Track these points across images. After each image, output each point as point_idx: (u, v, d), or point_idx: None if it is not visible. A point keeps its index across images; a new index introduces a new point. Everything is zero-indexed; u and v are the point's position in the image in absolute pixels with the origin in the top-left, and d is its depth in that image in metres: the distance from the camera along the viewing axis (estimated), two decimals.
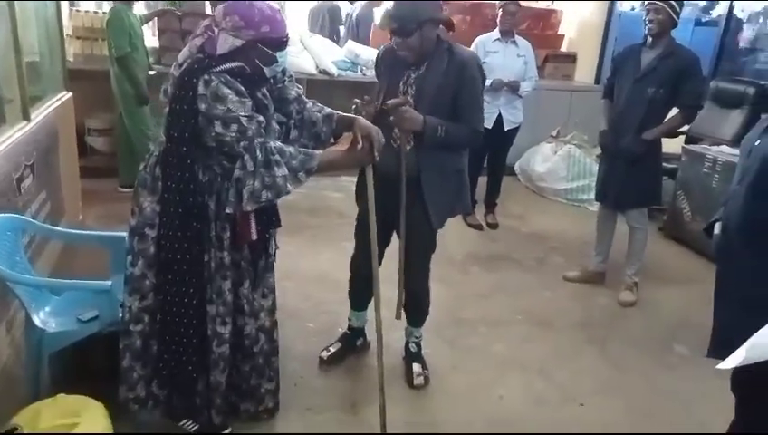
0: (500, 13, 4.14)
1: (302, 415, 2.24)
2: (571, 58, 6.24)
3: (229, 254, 1.85)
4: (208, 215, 1.80)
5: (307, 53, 5.34)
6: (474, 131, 2.21)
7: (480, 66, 2.26)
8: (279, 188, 1.71)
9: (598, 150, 4.42)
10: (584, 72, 6.21)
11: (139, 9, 4.60)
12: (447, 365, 2.65)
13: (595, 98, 4.25)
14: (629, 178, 3.21)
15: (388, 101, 2.11)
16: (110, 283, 2.03)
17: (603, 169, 3.46)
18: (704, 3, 5.72)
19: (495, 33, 4.18)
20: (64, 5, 4.23)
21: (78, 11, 4.84)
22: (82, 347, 2.05)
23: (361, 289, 2.51)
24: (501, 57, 4.14)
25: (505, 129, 4.22)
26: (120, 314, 1.94)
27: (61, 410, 1.66)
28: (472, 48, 4.24)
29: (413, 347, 2.56)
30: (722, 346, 1.60)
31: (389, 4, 2.17)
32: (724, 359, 1.43)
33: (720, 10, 5.34)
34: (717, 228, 1.88)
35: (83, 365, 2.16)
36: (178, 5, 5.03)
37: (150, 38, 5.04)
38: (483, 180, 4.48)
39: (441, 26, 2.19)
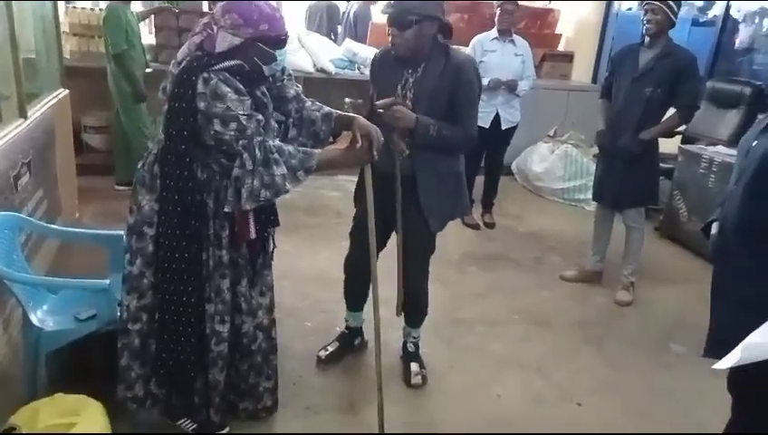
0: (498, 12, 4.14)
1: (301, 414, 2.24)
2: (568, 57, 6.25)
3: (228, 252, 1.85)
4: (207, 213, 1.80)
5: (304, 51, 5.33)
6: (467, 135, 2.19)
7: (476, 70, 2.25)
8: (278, 186, 1.71)
9: (595, 150, 4.44)
10: (581, 72, 6.22)
11: (136, 6, 4.57)
12: (445, 364, 2.65)
13: (592, 97, 4.26)
14: (627, 178, 3.22)
15: (378, 102, 2.10)
16: (107, 281, 2.02)
17: (600, 169, 3.47)
18: (701, 3, 5.74)
19: (493, 33, 4.19)
20: (61, 2, 4.21)
21: (74, 8, 4.81)
22: (80, 346, 2.04)
23: (357, 290, 2.52)
24: (499, 56, 4.15)
25: (503, 128, 4.22)
26: (119, 313, 1.94)
27: (59, 409, 1.66)
28: (470, 47, 4.25)
29: (411, 347, 2.57)
30: (718, 346, 1.61)
31: None
32: (720, 358, 1.44)
33: (717, 10, 5.35)
34: (714, 228, 1.89)
35: (81, 364, 2.15)
36: (175, 3, 5.01)
37: (147, 36, 5.03)
38: (480, 180, 4.48)
39: (439, 32, 2.17)
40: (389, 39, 2.14)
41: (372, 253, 2.07)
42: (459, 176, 2.35)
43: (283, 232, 2.16)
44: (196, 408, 1.96)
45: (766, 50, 5.25)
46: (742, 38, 5.35)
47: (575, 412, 2.43)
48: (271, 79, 1.89)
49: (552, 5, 6.59)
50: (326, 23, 6.65)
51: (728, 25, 5.13)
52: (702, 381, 2.46)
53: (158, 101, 1.83)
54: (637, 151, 3.16)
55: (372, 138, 1.86)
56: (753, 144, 1.75)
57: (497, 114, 4.16)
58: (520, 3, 4.30)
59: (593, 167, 4.35)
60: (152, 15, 4.94)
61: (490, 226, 4.45)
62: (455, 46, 2.28)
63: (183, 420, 1.99)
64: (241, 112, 1.66)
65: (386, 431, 2.10)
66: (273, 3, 1.78)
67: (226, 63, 1.69)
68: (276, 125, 1.91)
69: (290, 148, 1.76)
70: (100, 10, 4.61)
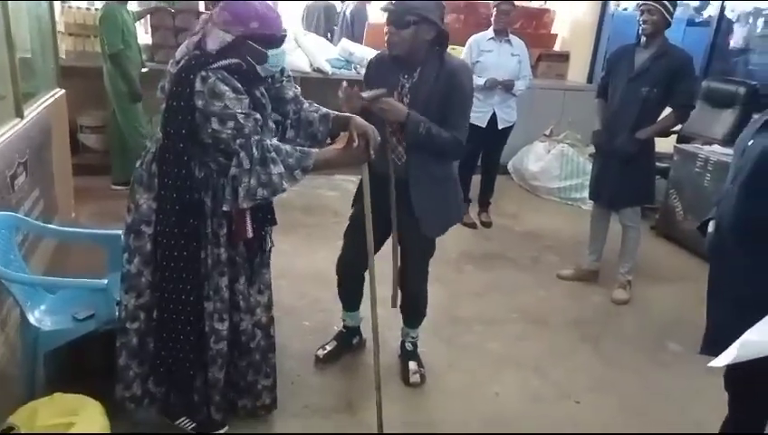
0: (494, 12, 4.15)
1: (299, 413, 2.24)
2: (563, 57, 6.27)
3: (226, 250, 1.85)
4: (205, 211, 1.80)
5: (301, 51, 5.33)
6: (456, 139, 2.16)
7: (470, 75, 2.25)
8: (275, 185, 1.71)
9: (591, 149, 4.46)
10: (577, 72, 6.24)
11: (132, 6, 4.56)
12: (443, 363, 2.66)
13: (588, 97, 4.27)
14: (623, 178, 3.24)
15: (364, 93, 2.08)
16: (105, 281, 2.01)
17: (597, 169, 3.49)
18: (696, 3, 5.77)
19: (490, 33, 4.19)
20: (56, 2, 4.19)
21: (70, 7, 4.79)
22: (77, 346, 2.04)
23: (352, 289, 2.52)
24: (495, 56, 4.15)
25: (499, 127, 4.23)
26: (117, 313, 1.94)
27: (58, 408, 1.65)
28: (466, 47, 4.26)
29: (409, 346, 2.57)
30: (715, 344, 1.62)
31: None
32: (716, 356, 1.45)
33: (711, 10, 5.38)
34: (711, 227, 1.90)
35: (78, 364, 2.15)
36: (171, 3, 5.00)
37: (143, 35, 5.01)
38: (476, 179, 4.50)
39: (436, 39, 2.15)
40: (386, 37, 2.14)
41: (370, 251, 2.07)
42: (453, 181, 2.34)
43: (280, 231, 2.16)
44: (196, 406, 1.96)
45: (761, 50, 5.29)
46: (736, 38, 5.38)
47: (573, 411, 2.44)
48: (270, 80, 1.89)
49: (548, 6, 6.61)
50: (323, 23, 6.65)
51: (723, 26, 5.16)
52: (698, 379, 2.48)
53: (154, 100, 1.83)
54: (633, 151, 3.17)
55: (369, 137, 1.86)
56: (750, 143, 1.76)
57: (494, 114, 4.17)
58: (516, 3, 4.31)
59: (589, 166, 4.36)
60: (148, 15, 4.92)
61: (487, 225, 4.46)
62: (452, 46, 2.28)
63: (182, 420, 1.99)
64: (239, 111, 1.67)
65: (384, 431, 2.10)
66: (270, 2, 1.79)
67: (224, 62, 1.69)
68: (274, 126, 1.92)
69: (287, 147, 1.76)
70: (96, 10, 4.60)
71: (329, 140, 2.02)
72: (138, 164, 1.86)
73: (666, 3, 3.06)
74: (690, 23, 5.67)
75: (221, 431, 2.02)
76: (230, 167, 1.71)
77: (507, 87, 4.13)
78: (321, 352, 2.57)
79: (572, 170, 5.13)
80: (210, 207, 1.80)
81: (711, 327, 1.88)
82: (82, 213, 3.94)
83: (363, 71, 2.44)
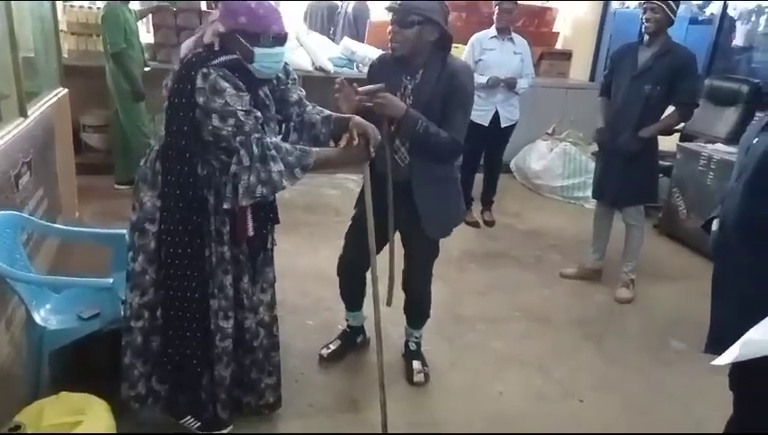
0: (496, 10, 4.14)
1: (304, 412, 2.25)
2: (566, 56, 6.26)
3: (229, 248, 1.85)
4: (208, 209, 1.80)
5: (303, 49, 5.33)
6: (454, 140, 2.13)
7: (472, 77, 2.24)
8: (274, 183, 1.71)
9: (593, 148, 4.46)
10: (579, 70, 6.24)
11: (134, 5, 4.56)
12: (447, 362, 2.66)
13: (590, 95, 4.28)
14: (626, 176, 3.23)
15: (362, 88, 2.07)
16: (111, 280, 2.02)
17: (600, 167, 3.49)
18: (698, 1, 5.76)
19: (492, 31, 4.19)
20: (59, 1, 4.20)
21: (72, 6, 4.80)
22: (82, 345, 2.04)
23: (353, 290, 2.53)
24: (497, 54, 4.15)
25: (502, 126, 4.23)
26: (122, 312, 1.94)
27: (64, 407, 1.66)
28: (468, 45, 4.26)
29: (413, 345, 2.57)
30: (719, 342, 1.62)
31: None
32: (720, 355, 1.45)
33: (714, 8, 5.37)
34: (715, 225, 1.90)
35: (83, 363, 2.15)
36: (173, 2, 5.00)
37: (145, 34, 5.02)
38: (479, 178, 4.49)
39: (439, 41, 2.15)
40: (390, 37, 2.14)
41: (372, 251, 2.07)
42: (455, 182, 2.34)
43: (282, 230, 2.16)
44: (201, 405, 1.97)
45: (764, 48, 5.28)
46: (739, 36, 5.38)
47: (576, 409, 2.45)
48: (275, 82, 1.90)
49: (550, 4, 6.59)
50: (326, 22, 6.64)
51: (725, 24, 5.15)
52: (702, 378, 2.48)
53: (156, 99, 1.84)
54: (636, 149, 3.17)
55: (369, 135, 1.86)
56: (754, 141, 1.75)
57: (496, 112, 4.17)
58: (518, 1, 4.30)
59: (592, 164, 4.37)
60: (150, 14, 4.93)
61: (490, 223, 4.47)
62: (453, 45, 2.27)
63: (187, 419, 1.99)
64: (239, 108, 1.67)
65: (389, 430, 2.10)
66: (270, 1, 1.76)
67: (223, 58, 1.70)
68: (277, 127, 1.92)
69: (287, 145, 1.77)
70: (98, 9, 4.60)
71: (332, 143, 2.02)
72: (142, 162, 1.86)
73: (669, 1, 3.06)
74: (693, 21, 5.66)
75: (226, 430, 2.02)
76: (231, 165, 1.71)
77: (510, 85, 4.13)
78: (325, 351, 2.58)
79: (575, 169, 5.13)
80: (213, 204, 1.80)
81: (715, 325, 1.87)
82: (85, 212, 3.94)
83: (365, 69, 2.43)
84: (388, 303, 2.43)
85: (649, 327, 3.15)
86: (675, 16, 3.13)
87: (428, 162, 2.21)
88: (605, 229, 3.57)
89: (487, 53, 4.14)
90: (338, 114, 2.00)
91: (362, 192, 2.30)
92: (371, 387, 2.27)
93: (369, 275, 2.15)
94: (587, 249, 3.68)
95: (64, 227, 2.63)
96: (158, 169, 1.79)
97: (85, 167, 4.29)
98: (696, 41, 5.01)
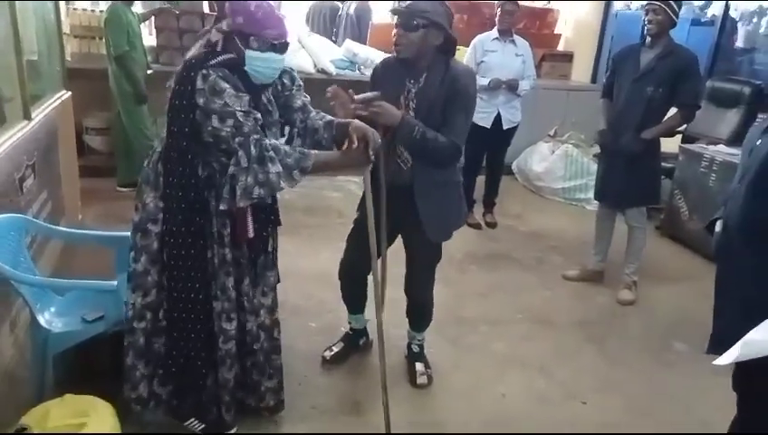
0: (498, 12, 4.15)
1: (307, 414, 2.25)
2: (567, 57, 6.27)
3: (230, 250, 1.86)
4: (209, 211, 1.81)
5: (305, 51, 5.34)
6: (453, 144, 2.13)
7: (474, 81, 2.24)
8: (272, 184, 1.71)
9: (595, 150, 4.46)
10: (581, 72, 6.24)
11: (136, 7, 4.57)
12: (449, 364, 2.66)
13: (592, 97, 4.27)
14: (629, 178, 3.23)
15: (358, 96, 2.07)
16: (115, 283, 2.03)
17: (602, 169, 3.49)
18: (700, 3, 5.76)
19: (494, 33, 4.20)
20: (61, 4, 4.21)
21: (75, 9, 4.81)
22: (86, 347, 2.05)
23: (356, 293, 2.53)
24: (499, 56, 4.16)
25: (504, 128, 4.23)
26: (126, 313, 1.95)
27: (69, 409, 1.66)
28: (470, 47, 4.26)
29: (416, 348, 2.58)
30: (721, 344, 1.61)
31: None
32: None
33: (715, 10, 5.37)
34: (718, 226, 1.90)
35: (87, 365, 2.16)
36: (176, 4, 5.02)
37: (147, 37, 5.02)
38: (481, 180, 4.50)
39: (444, 46, 2.15)
40: (394, 39, 2.14)
41: (373, 254, 2.08)
42: (457, 185, 2.34)
43: (284, 232, 2.16)
44: (205, 407, 1.97)
45: (766, 49, 5.28)
46: (741, 38, 5.38)
47: (579, 411, 2.45)
48: (279, 87, 1.90)
49: (552, 5, 6.60)
50: (328, 24, 6.64)
51: (727, 25, 5.15)
52: (704, 379, 2.49)
53: (159, 102, 1.84)
54: (638, 151, 3.17)
55: (368, 139, 1.86)
56: (757, 143, 1.75)
57: (498, 114, 4.17)
58: (520, 3, 4.31)
59: (593, 166, 4.37)
60: (153, 16, 4.94)
61: (491, 225, 4.47)
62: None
63: (191, 421, 2.00)
64: (238, 109, 1.68)
65: (392, 432, 2.11)
66: (270, 2, 1.76)
67: (222, 58, 1.70)
68: (278, 132, 1.93)
69: (286, 147, 1.77)
70: (101, 11, 4.62)
71: (335, 148, 2.02)
72: (145, 163, 1.87)
73: (671, 2, 3.07)
74: (694, 22, 5.66)
75: (230, 432, 2.03)
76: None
77: (511, 87, 4.13)
78: (327, 354, 2.58)
79: (577, 171, 5.13)
80: (214, 206, 1.80)
81: (718, 327, 1.87)
82: (88, 215, 3.96)
83: (367, 72, 2.44)
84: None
85: (651, 329, 3.15)
86: (677, 18, 3.13)
87: (429, 166, 2.22)
88: (607, 231, 3.57)
89: (489, 55, 4.15)
90: (339, 119, 2.00)
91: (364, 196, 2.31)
92: (374, 389, 2.27)
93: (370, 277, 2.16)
94: (589, 251, 3.68)
95: (68, 230, 2.63)
96: (160, 171, 1.80)
97: (88, 169, 4.30)
98: (698, 42, 5.01)
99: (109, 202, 4.15)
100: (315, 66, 5.34)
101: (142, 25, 4.55)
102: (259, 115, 1.75)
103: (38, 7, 3.34)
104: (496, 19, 4.19)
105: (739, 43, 5.41)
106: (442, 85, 2.14)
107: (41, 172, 2.84)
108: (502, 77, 4.09)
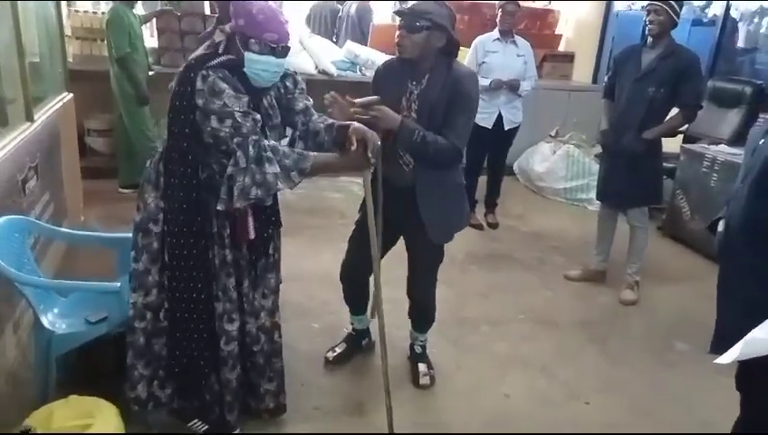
0: (499, 13, 4.15)
1: (310, 415, 2.25)
2: (568, 58, 6.26)
3: (231, 251, 1.86)
4: (210, 211, 1.81)
5: (306, 53, 5.35)
6: (454, 147, 2.12)
7: (477, 84, 2.23)
8: (269, 185, 1.71)
9: (596, 150, 4.46)
10: (582, 72, 6.24)
11: (138, 9, 4.58)
12: (452, 364, 2.67)
13: (593, 97, 4.28)
14: (630, 178, 3.23)
15: (357, 100, 2.07)
16: (118, 284, 2.03)
17: (604, 169, 3.49)
18: (701, 3, 5.76)
19: (495, 33, 4.20)
20: (63, 5, 4.22)
21: (77, 11, 4.82)
22: (89, 348, 2.05)
23: (357, 294, 2.54)
24: (500, 57, 4.16)
25: (505, 128, 4.23)
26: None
27: (74, 411, 1.67)
28: (471, 48, 4.26)
29: (418, 349, 2.58)
30: (723, 344, 1.61)
31: None
32: None
33: (716, 10, 5.37)
34: (721, 226, 1.90)
35: (90, 367, 2.16)
36: (177, 6, 5.02)
37: (149, 38, 5.03)
38: (482, 180, 4.50)
39: (446, 48, 2.15)
40: (397, 41, 2.14)
41: (375, 256, 2.08)
42: (459, 187, 2.34)
43: (285, 233, 2.17)
44: (208, 408, 1.98)
45: (767, 49, 5.28)
46: (742, 38, 5.38)
47: (581, 411, 2.45)
48: (282, 90, 1.90)
49: (552, 6, 6.60)
50: (329, 25, 6.64)
51: (728, 25, 5.15)
52: (706, 379, 2.49)
53: (161, 103, 1.85)
54: (640, 151, 3.17)
55: (368, 141, 1.87)
56: (760, 143, 1.76)
57: (500, 115, 4.17)
58: (520, 3, 4.31)
59: (595, 167, 4.37)
60: (154, 18, 4.94)
61: (493, 226, 4.47)
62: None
63: (194, 422, 2.00)
64: (237, 109, 1.68)
65: (395, 432, 2.11)
66: (272, 4, 1.76)
67: (222, 58, 1.71)
68: (277, 135, 1.93)
69: (285, 148, 1.77)
70: (103, 13, 4.62)
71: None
72: (147, 164, 1.88)
73: (672, 3, 3.07)
74: (695, 23, 5.66)
75: (233, 433, 2.03)
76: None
77: (513, 87, 4.13)
78: (330, 355, 2.59)
79: (578, 171, 5.13)
80: (214, 207, 1.80)
81: (720, 327, 1.88)
82: (90, 216, 3.96)
83: (368, 73, 2.44)
84: (373, 315, 2.43)
85: (654, 329, 3.15)
86: (678, 18, 3.13)
87: (431, 168, 2.22)
88: (609, 231, 3.57)
89: (490, 56, 4.15)
90: (339, 122, 2.01)
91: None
92: (377, 390, 2.28)
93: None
94: (590, 251, 3.68)
95: (71, 231, 2.64)
96: (161, 171, 1.81)
97: (90, 171, 4.31)
98: (699, 42, 5.01)
99: (111, 203, 4.15)
100: (316, 67, 5.34)
101: (144, 27, 4.56)
102: (258, 116, 1.75)
103: (40, 9, 3.35)
104: (497, 20, 4.19)
105: (740, 44, 5.41)
106: (444, 87, 2.14)
107: (43, 174, 2.85)
108: (503, 78, 4.09)
